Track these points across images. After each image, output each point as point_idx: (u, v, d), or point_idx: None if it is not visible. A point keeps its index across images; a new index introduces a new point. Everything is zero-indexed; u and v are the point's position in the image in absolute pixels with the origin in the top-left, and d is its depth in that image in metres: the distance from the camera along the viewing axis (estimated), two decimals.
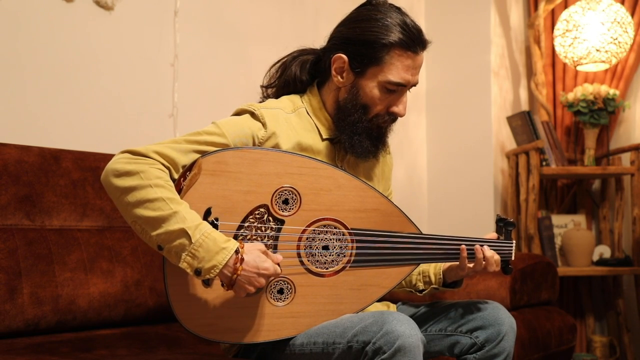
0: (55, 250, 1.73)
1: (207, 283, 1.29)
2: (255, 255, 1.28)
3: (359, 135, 1.48)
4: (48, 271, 1.70)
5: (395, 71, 1.44)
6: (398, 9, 1.47)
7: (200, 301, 1.33)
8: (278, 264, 1.32)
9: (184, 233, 1.24)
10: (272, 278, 1.35)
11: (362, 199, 1.44)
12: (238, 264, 1.25)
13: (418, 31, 1.45)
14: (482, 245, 1.51)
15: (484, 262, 1.50)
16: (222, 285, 1.29)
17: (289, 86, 1.57)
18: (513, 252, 1.56)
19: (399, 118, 1.51)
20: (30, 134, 2.00)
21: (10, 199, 1.71)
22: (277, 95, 1.58)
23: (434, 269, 1.60)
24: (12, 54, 1.99)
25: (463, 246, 1.49)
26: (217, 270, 1.25)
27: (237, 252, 1.26)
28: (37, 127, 2.03)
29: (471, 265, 1.51)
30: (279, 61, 1.59)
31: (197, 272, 1.25)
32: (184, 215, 1.25)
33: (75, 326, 1.76)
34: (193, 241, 1.24)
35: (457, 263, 1.52)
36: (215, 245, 1.25)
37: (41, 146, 1.87)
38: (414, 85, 1.49)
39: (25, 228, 1.72)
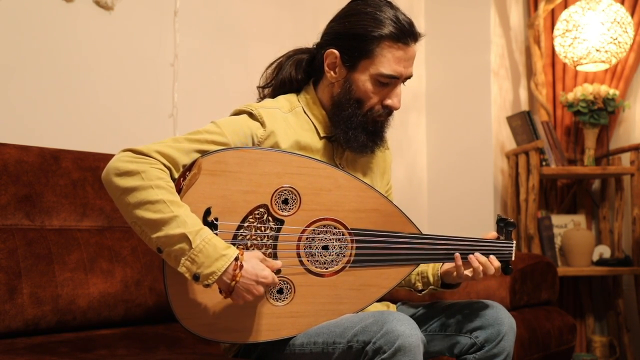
0: (55, 250, 1.73)
1: (207, 284, 1.29)
2: (255, 263, 1.28)
3: (354, 130, 1.47)
4: (48, 271, 1.70)
5: (386, 63, 1.44)
6: (389, 3, 1.47)
7: (200, 301, 1.33)
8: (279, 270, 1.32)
9: (184, 238, 1.24)
10: (271, 287, 1.34)
11: (361, 199, 1.44)
12: (237, 271, 1.25)
13: (409, 23, 1.45)
14: (479, 250, 1.49)
15: (481, 268, 1.48)
16: (220, 292, 1.29)
17: (285, 86, 1.57)
18: (513, 252, 1.55)
19: (395, 113, 1.51)
20: (30, 134, 2.00)
21: (10, 199, 1.71)
22: (273, 96, 1.57)
23: (432, 270, 1.60)
24: (12, 53, 1.99)
25: (457, 254, 1.48)
26: (216, 277, 1.25)
27: (236, 259, 1.26)
28: (37, 127, 2.03)
29: (469, 273, 1.50)
30: (274, 62, 1.60)
31: (196, 277, 1.25)
32: (185, 219, 1.25)
33: (75, 326, 1.76)
34: (193, 246, 1.24)
35: (454, 266, 1.52)
36: (215, 252, 1.25)
37: (41, 146, 1.87)
38: (408, 77, 1.48)
39: (25, 228, 1.72)
